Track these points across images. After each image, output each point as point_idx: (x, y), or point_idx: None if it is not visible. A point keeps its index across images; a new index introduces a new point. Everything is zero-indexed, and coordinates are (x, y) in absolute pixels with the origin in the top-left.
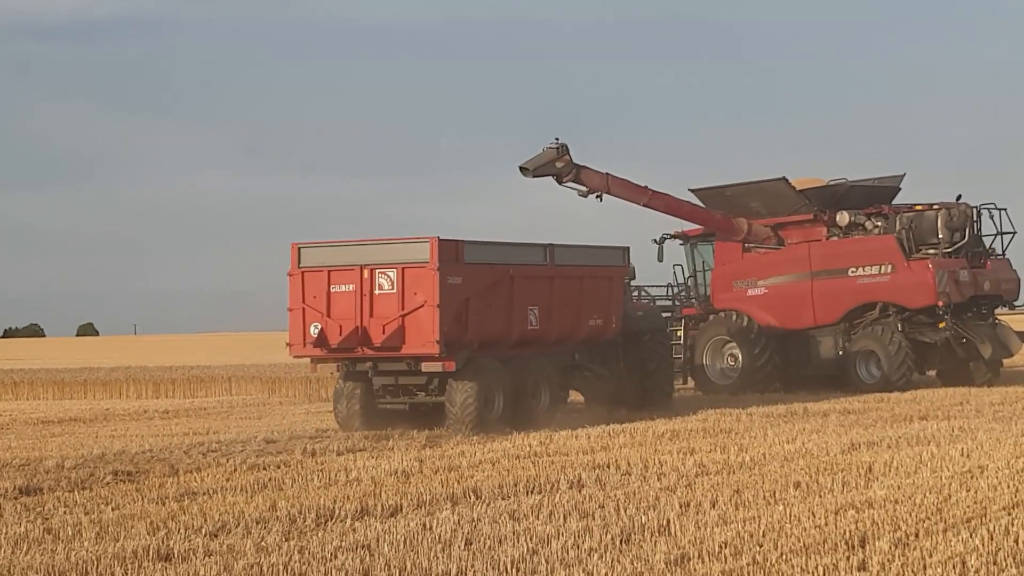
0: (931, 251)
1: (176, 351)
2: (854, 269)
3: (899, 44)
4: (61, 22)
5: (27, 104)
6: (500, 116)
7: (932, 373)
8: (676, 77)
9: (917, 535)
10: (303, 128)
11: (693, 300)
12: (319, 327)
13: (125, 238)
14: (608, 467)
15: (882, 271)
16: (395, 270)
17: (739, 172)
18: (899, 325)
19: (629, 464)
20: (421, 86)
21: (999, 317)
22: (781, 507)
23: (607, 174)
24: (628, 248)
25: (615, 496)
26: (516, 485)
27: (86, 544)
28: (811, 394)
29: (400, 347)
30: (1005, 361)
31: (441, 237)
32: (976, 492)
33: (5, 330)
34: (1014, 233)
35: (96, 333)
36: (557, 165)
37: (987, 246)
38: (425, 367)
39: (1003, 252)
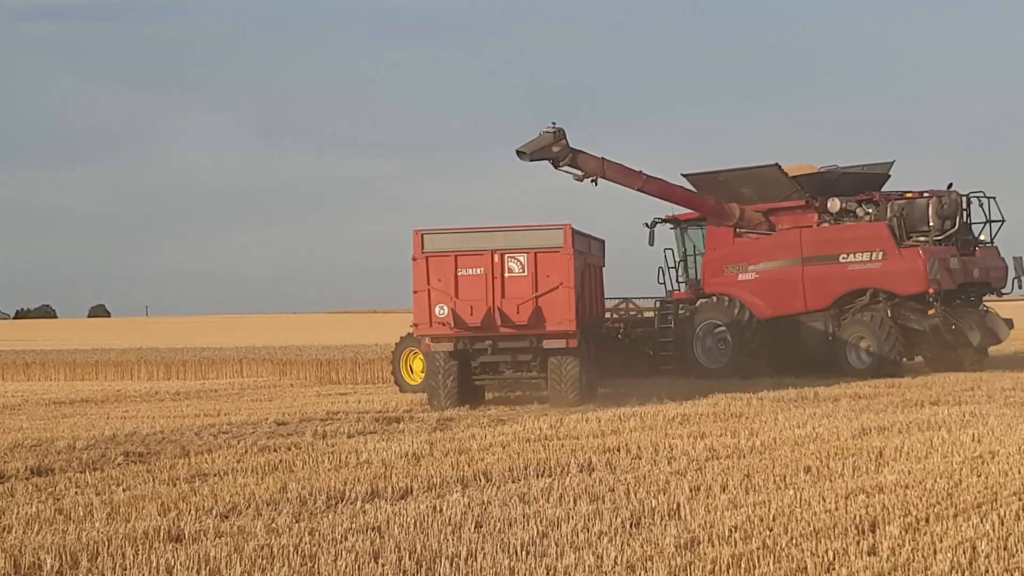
0: (922, 238)
1: (187, 333)
2: (845, 255)
3: (891, 34)
4: (79, 2)
5: (43, 83)
6: (511, 97)
7: (919, 359)
8: (685, 62)
9: (927, 520)
10: (316, 109)
11: (683, 284)
12: (445, 308)
13: (137, 219)
14: (618, 451)
15: (873, 258)
16: (526, 255)
17: (728, 157)
18: (888, 311)
19: (639, 448)
20: (433, 68)
21: (986, 304)
22: (791, 491)
23: (602, 159)
24: (604, 240)
25: (625, 480)
26: (526, 468)
27: (97, 525)
28: (821, 379)
29: (538, 326)
30: (994, 346)
31: (572, 226)
32: (987, 477)
33: (17, 311)
34: (1003, 221)
35: (108, 314)
36: (554, 149)
37: (976, 234)
38: (547, 344)
39: (991, 240)
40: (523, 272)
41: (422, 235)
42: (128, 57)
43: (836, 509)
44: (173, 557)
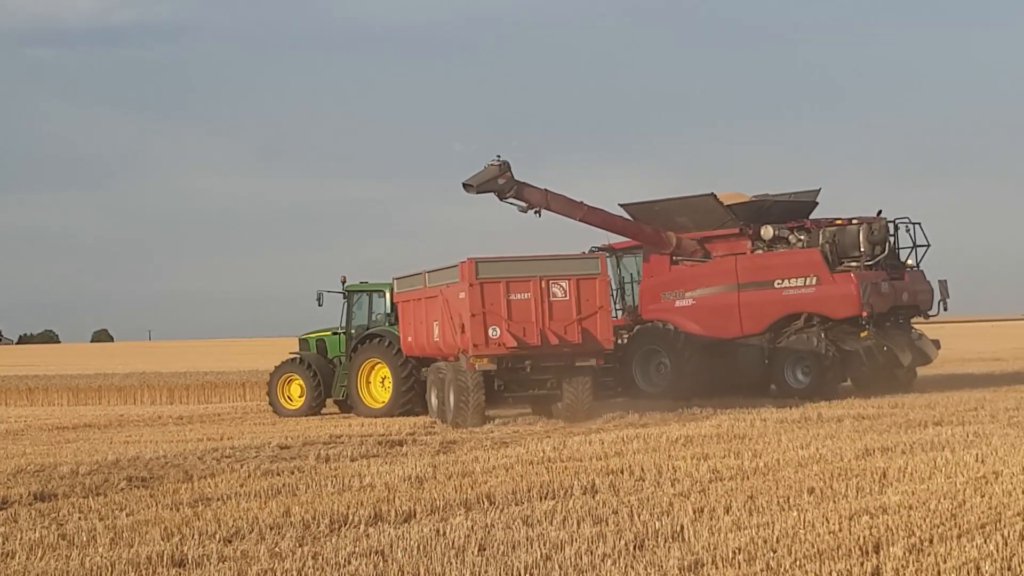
0: (853, 264)
1: (190, 357)
2: (780, 281)
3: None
4: (79, 28)
5: (43, 108)
6: (514, 120)
7: (848, 381)
8: (690, 81)
9: (931, 541)
10: (318, 132)
11: (620, 311)
12: (498, 330)
13: (140, 243)
14: (622, 473)
15: (807, 283)
16: (567, 280)
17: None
18: (822, 334)
19: (643, 470)
20: (436, 90)
21: (915, 326)
22: (795, 513)
23: (546, 190)
24: None
25: (629, 502)
26: (530, 491)
27: (100, 550)
28: (826, 400)
29: (586, 345)
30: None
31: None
32: (991, 498)
33: (20, 336)
34: (928, 246)
35: (111, 339)
36: (499, 182)
37: (903, 259)
38: (579, 362)
39: (918, 264)
40: (565, 296)
41: (476, 263)
42: (129, 82)
43: (840, 530)
44: None
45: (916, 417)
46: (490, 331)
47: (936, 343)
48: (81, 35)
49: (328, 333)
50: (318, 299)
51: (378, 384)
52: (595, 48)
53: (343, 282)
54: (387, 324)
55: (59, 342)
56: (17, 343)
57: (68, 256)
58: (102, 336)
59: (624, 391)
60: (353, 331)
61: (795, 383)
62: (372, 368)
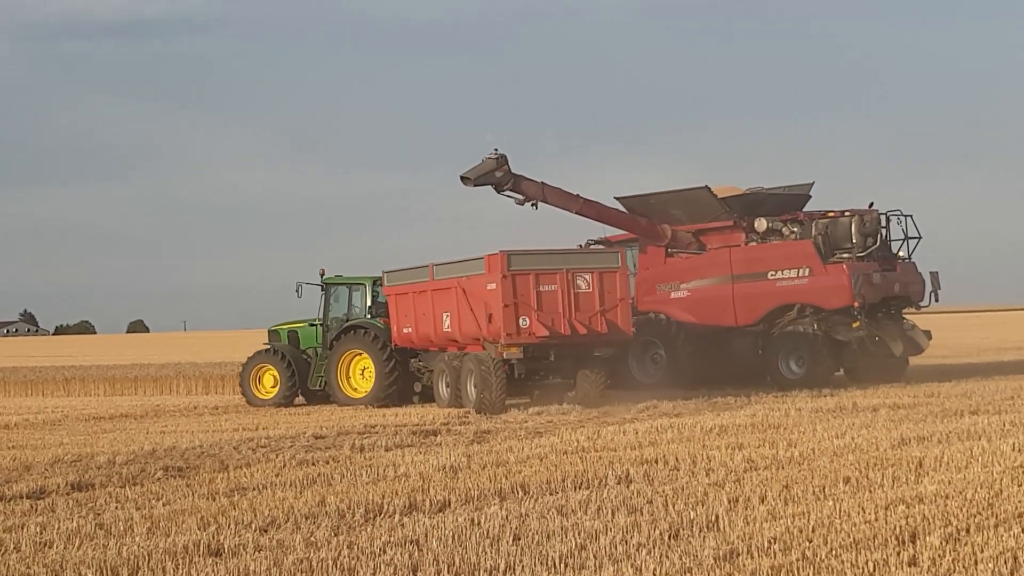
0: (845, 255)
1: (226, 347)
2: (773, 272)
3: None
4: (112, 20)
5: (78, 101)
6: (545, 110)
7: (841, 371)
8: (709, 77)
9: (968, 530)
10: (350, 125)
11: None
12: (528, 319)
13: (174, 235)
14: (656, 462)
15: (800, 274)
16: (591, 273)
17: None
18: (815, 324)
19: (677, 459)
20: (466, 81)
21: (907, 316)
22: (831, 502)
23: (542, 183)
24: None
25: (663, 491)
26: (564, 480)
27: (137, 539)
28: (860, 389)
29: (611, 334)
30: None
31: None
32: None
33: (56, 327)
34: (919, 238)
35: (146, 330)
36: (496, 175)
37: (895, 250)
38: (597, 351)
39: (909, 256)
40: (588, 288)
41: (508, 255)
42: (164, 75)
43: (876, 520)
44: (213, 571)
45: (952, 406)
46: (520, 321)
47: (927, 333)
48: (114, 27)
49: (303, 324)
50: (297, 290)
51: (358, 375)
52: (598, 46)
53: (322, 275)
54: (366, 316)
55: (95, 333)
56: (53, 334)
57: (104, 248)
58: (138, 327)
59: (619, 382)
60: (330, 323)
61: (789, 373)
62: (352, 359)
